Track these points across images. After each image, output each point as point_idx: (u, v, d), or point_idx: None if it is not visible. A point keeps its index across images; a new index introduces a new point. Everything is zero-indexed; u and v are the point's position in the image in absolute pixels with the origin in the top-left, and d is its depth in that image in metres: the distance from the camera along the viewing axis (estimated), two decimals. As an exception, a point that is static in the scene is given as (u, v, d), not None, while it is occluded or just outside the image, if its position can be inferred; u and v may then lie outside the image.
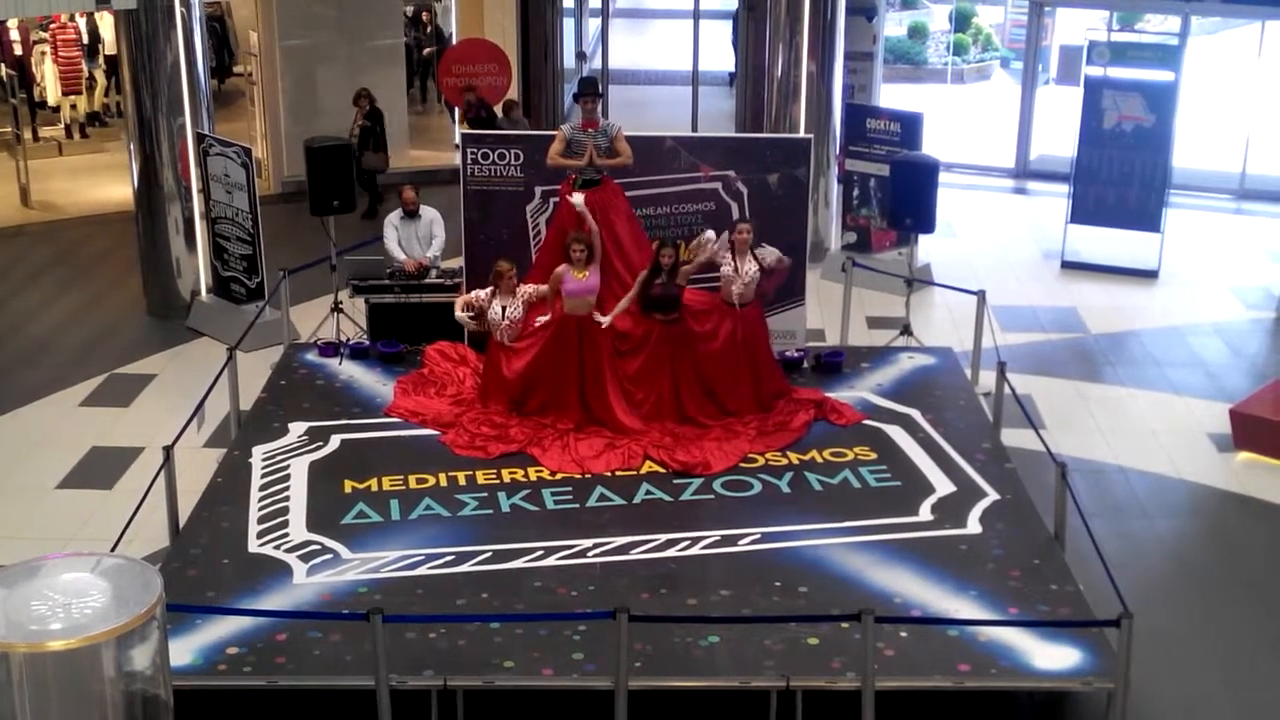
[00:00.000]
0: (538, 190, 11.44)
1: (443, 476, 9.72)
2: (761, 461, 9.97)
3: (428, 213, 12.38)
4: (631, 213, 11.01)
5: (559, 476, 9.74)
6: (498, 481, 9.66)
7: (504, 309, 10.42)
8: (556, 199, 11.19)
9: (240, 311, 13.15)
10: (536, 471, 9.80)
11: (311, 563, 8.61)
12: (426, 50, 22.00)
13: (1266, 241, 16.47)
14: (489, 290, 10.49)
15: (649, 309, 10.37)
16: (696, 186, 11.48)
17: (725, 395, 10.50)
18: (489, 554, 8.72)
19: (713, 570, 8.60)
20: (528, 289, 10.47)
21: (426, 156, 19.50)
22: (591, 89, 10.91)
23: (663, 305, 10.33)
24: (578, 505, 9.40)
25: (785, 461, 9.97)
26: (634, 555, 8.73)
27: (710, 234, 10.61)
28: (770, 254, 10.54)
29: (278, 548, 8.79)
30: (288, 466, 9.88)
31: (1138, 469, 10.85)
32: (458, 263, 12.04)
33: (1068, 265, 15.43)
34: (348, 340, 11.98)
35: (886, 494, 9.55)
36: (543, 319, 10.46)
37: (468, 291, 10.88)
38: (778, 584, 8.38)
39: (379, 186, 16.86)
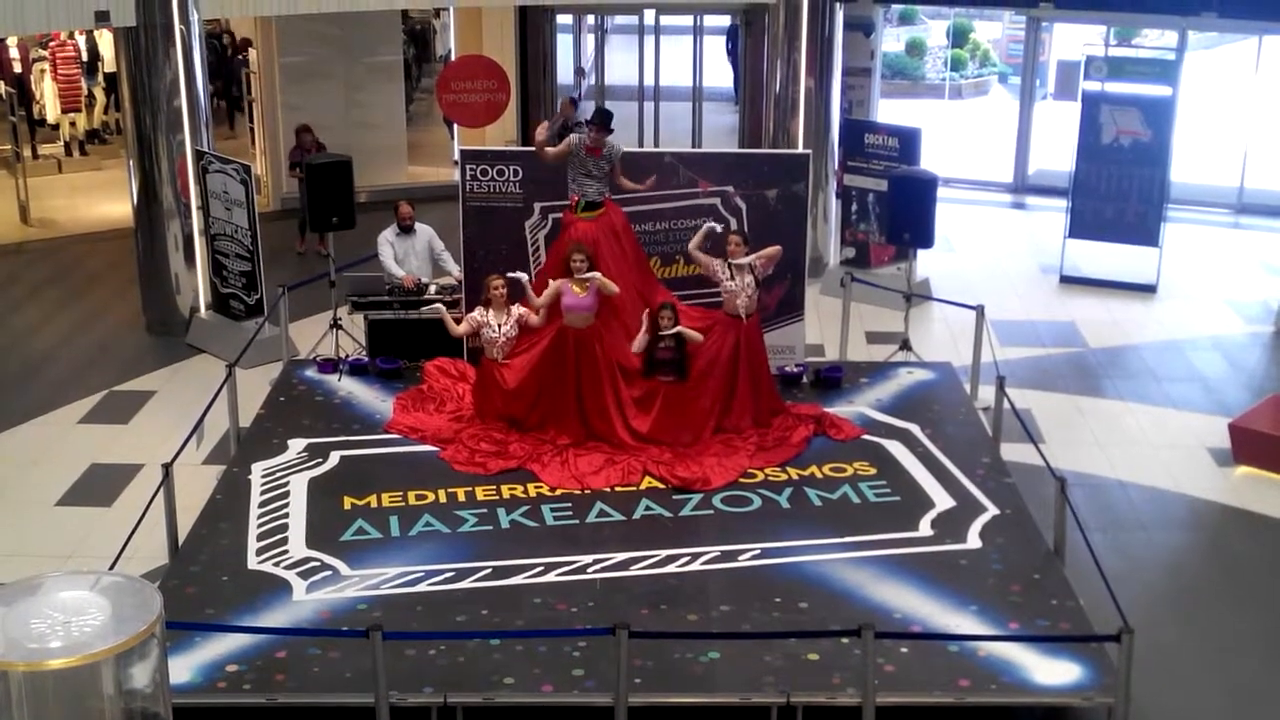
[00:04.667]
0: (537, 206, 11.46)
1: (442, 493, 9.72)
2: (761, 477, 9.96)
3: (424, 230, 12.39)
4: (634, 237, 11.02)
5: (558, 492, 9.74)
6: (497, 498, 9.66)
7: (500, 326, 10.43)
8: (556, 215, 11.22)
9: (239, 328, 13.16)
10: (536, 487, 9.80)
11: (311, 580, 8.60)
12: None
13: (1264, 255, 16.49)
14: (480, 310, 10.50)
15: (653, 372, 10.35)
16: (695, 202, 11.50)
17: (724, 408, 10.51)
18: (489, 570, 8.71)
19: (712, 586, 8.60)
20: (523, 311, 10.47)
21: (424, 173, 19.52)
22: (604, 120, 10.71)
23: (669, 369, 10.31)
24: (577, 521, 9.40)
25: (785, 477, 9.97)
26: (634, 571, 8.73)
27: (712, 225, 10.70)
28: (751, 258, 10.48)
29: (277, 565, 8.79)
30: (287, 483, 9.87)
31: (1137, 483, 10.84)
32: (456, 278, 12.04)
33: (1066, 280, 15.44)
34: (347, 356, 11.99)
35: (886, 509, 9.55)
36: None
37: (467, 311, 10.88)
38: (778, 600, 8.37)
39: None
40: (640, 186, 10.98)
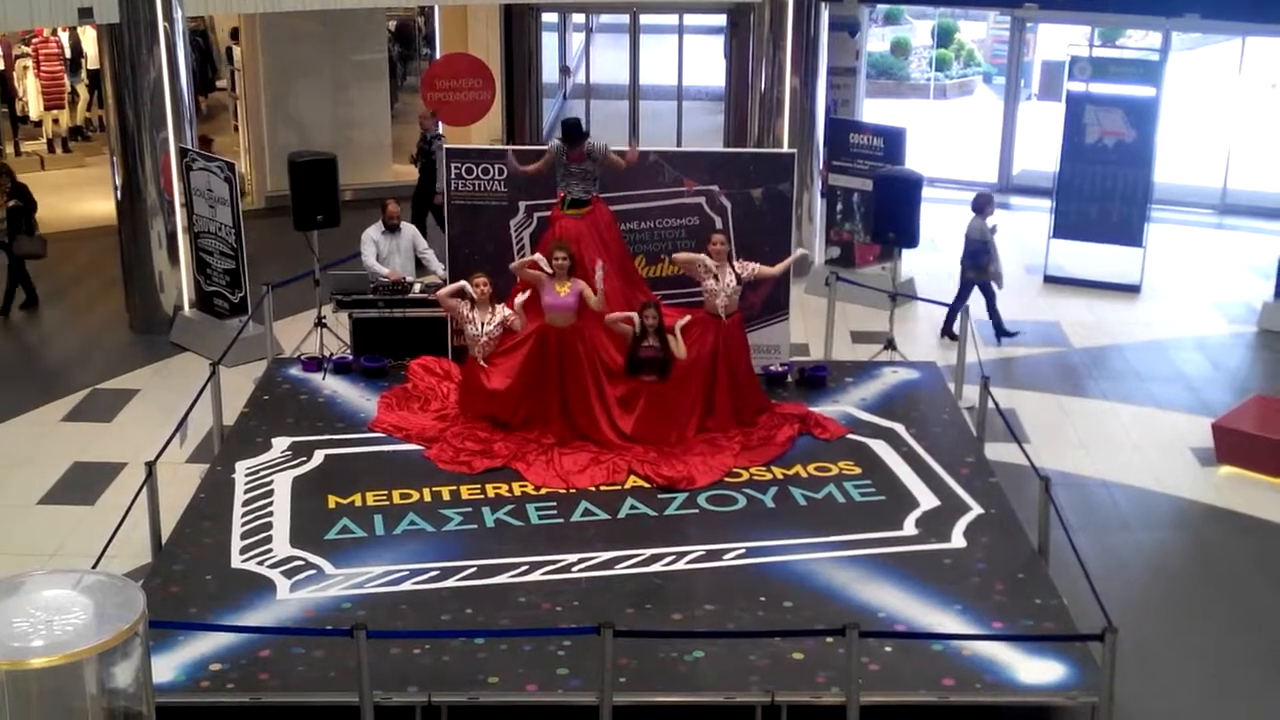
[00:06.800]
0: (522, 205, 11.46)
1: (427, 491, 9.71)
2: (746, 476, 9.97)
3: (408, 228, 12.40)
4: (619, 234, 11.02)
5: (543, 491, 9.73)
6: (482, 496, 9.65)
7: (482, 324, 10.42)
8: (542, 214, 11.22)
9: (223, 326, 13.12)
10: (521, 486, 9.79)
11: (295, 578, 8.58)
12: None
13: (1248, 256, 16.55)
14: (468, 304, 10.49)
15: (636, 371, 10.33)
16: (680, 201, 11.50)
17: (706, 406, 10.51)
18: (473, 569, 8.70)
19: (697, 585, 8.60)
20: (508, 313, 10.45)
21: (409, 171, 19.44)
22: (574, 136, 10.64)
23: (652, 368, 10.29)
24: (562, 520, 9.39)
25: (770, 476, 9.98)
26: (618, 570, 8.73)
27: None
28: (749, 269, 10.59)
29: (261, 563, 8.76)
30: (271, 482, 9.85)
31: (1121, 483, 10.88)
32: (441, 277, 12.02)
33: (1050, 280, 15.47)
34: (331, 355, 11.96)
35: (871, 508, 9.56)
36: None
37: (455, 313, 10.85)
38: (762, 599, 8.38)
39: (29, 276, 14.70)
40: (629, 154, 10.94)
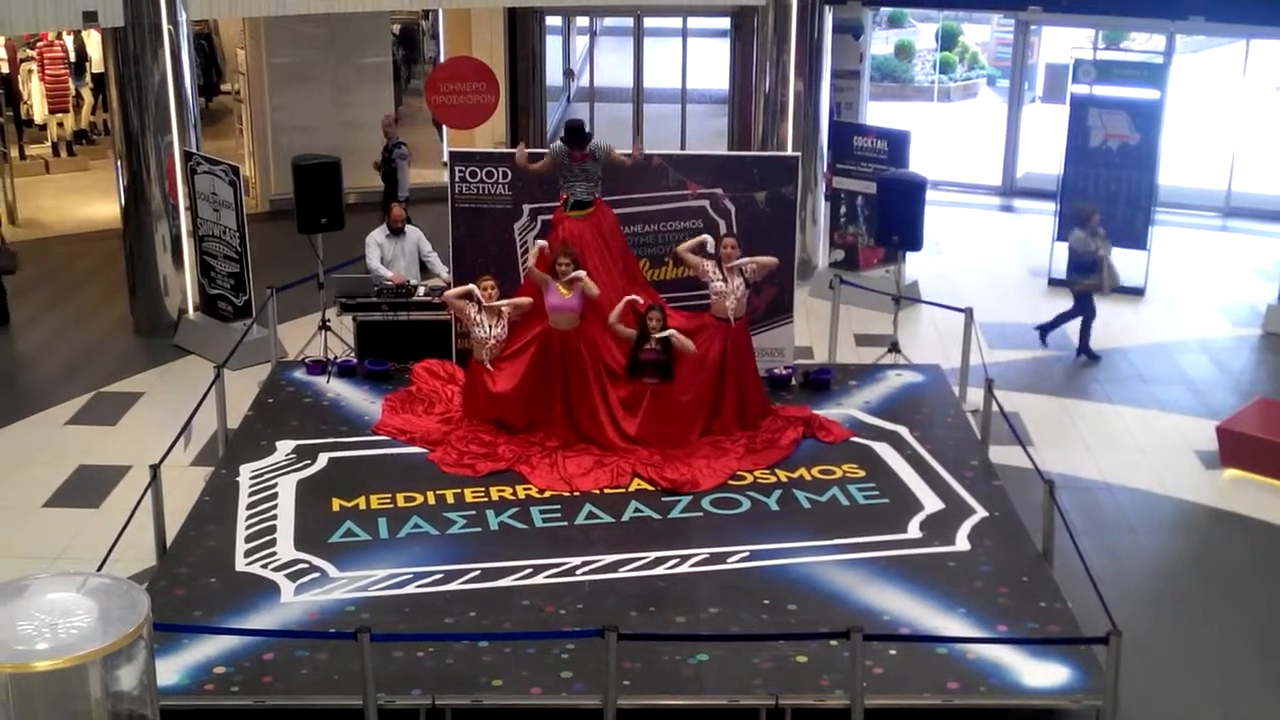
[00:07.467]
0: (525, 208, 11.46)
1: (431, 494, 9.71)
2: (750, 479, 9.97)
3: (413, 231, 12.40)
4: (622, 236, 11.01)
5: (547, 494, 9.73)
6: (486, 499, 9.65)
7: (490, 327, 10.42)
8: (545, 217, 11.23)
9: (228, 329, 13.13)
10: (525, 489, 9.79)
11: (299, 581, 8.59)
12: None
13: (1252, 259, 16.54)
14: (475, 306, 10.50)
15: (638, 373, 10.32)
16: (684, 204, 11.50)
17: (712, 410, 10.51)
18: (477, 572, 8.71)
19: (701, 588, 8.59)
20: (508, 303, 10.44)
21: (413, 174, 19.42)
22: (578, 139, 10.61)
23: (654, 370, 10.27)
24: (566, 523, 9.40)
25: (774, 479, 9.98)
26: (622, 573, 8.73)
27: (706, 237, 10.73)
28: (745, 262, 10.53)
29: (265, 566, 8.77)
30: (275, 485, 9.85)
31: (1125, 486, 10.87)
32: (445, 280, 12.02)
33: (1054, 283, 15.42)
34: (335, 358, 11.97)
35: (875, 511, 9.56)
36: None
37: (458, 314, 10.85)
38: (766, 602, 8.38)
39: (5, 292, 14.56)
40: (634, 151, 11.00)
